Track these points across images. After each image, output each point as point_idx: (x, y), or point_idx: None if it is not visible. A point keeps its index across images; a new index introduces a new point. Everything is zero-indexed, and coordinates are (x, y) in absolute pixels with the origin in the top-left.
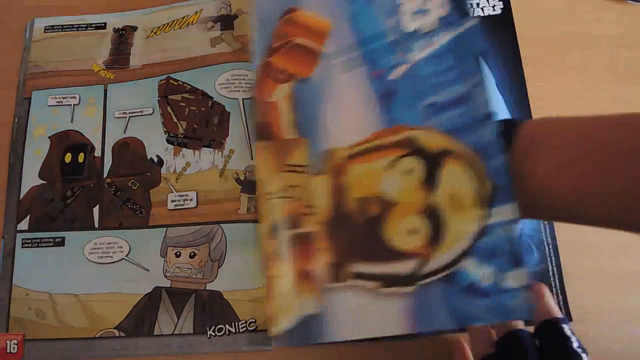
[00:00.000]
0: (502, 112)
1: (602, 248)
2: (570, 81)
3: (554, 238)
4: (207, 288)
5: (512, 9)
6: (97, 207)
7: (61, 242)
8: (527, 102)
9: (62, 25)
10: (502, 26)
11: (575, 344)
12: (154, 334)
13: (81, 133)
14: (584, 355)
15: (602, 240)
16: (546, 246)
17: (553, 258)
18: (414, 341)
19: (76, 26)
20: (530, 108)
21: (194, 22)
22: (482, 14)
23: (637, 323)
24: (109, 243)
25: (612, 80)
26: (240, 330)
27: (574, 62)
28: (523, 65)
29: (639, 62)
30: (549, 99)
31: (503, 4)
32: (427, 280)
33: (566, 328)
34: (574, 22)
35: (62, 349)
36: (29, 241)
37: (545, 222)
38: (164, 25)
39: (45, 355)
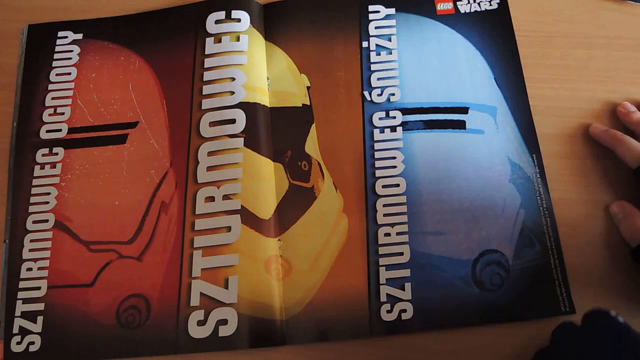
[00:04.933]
0: (501, 107)
1: (604, 241)
2: (569, 80)
3: (555, 231)
4: None
5: (509, 5)
6: None
7: None
8: (526, 98)
9: None
10: (498, 21)
11: None
12: None
13: None
14: None
15: (604, 233)
16: (548, 239)
17: (555, 251)
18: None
19: None
20: (530, 104)
21: None
22: (478, 9)
23: None
24: None
25: (611, 80)
26: None
27: (574, 62)
28: (521, 62)
29: (639, 62)
30: (548, 96)
31: None
32: None
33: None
34: (573, 22)
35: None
36: None
37: (546, 215)
38: None
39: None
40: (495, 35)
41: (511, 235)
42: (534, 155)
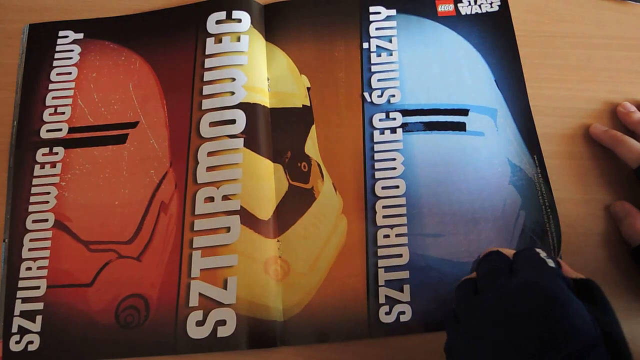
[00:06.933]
0: (501, 109)
1: (604, 241)
2: (569, 80)
3: (558, 230)
4: None
5: (510, 6)
6: None
7: None
8: (527, 100)
9: None
10: (499, 23)
11: (551, 263)
12: None
13: None
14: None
15: (604, 233)
16: (550, 239)
17: (557, 251)
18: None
19: None
20: (530, 106)
21: None
22: (479, 11)
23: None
24: None
25: (611, 80)
26: None
27: (574, 62)
28: (521, 62)
29: (639, 62)
30: (548, 96)
31: (500, 1)
32: None
33: (542, 253)
34: (573, 22)
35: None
36: None
37: (549, 213)
38: None
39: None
40: (495, 37)
41: (511, 237)
42: (535, 156)
